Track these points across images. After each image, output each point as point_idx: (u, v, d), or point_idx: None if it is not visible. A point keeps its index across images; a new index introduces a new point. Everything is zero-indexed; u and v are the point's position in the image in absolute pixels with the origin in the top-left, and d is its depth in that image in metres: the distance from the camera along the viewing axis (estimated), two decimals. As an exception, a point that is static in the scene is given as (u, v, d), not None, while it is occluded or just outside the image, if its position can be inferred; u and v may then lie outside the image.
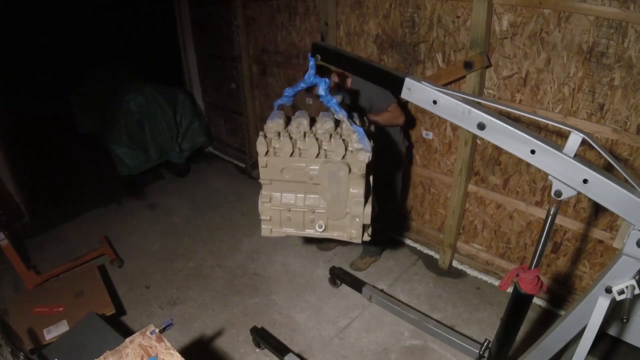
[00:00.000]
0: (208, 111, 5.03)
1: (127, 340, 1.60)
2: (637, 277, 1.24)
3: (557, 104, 2.22)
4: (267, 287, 2.96)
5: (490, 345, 1.80)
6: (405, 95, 1.43)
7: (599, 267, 2.38)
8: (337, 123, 1.81)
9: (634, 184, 1.18)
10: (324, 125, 1.76)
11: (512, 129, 1.24)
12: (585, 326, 1.34)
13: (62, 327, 2.44)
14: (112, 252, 3.26)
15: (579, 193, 1.22)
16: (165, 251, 3.38)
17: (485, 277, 2.92)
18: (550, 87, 2.21)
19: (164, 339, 1.59)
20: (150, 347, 1.56)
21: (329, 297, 2.85)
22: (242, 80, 4.12)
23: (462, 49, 2.45)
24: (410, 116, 2.85)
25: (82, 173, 4.57)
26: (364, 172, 1.72)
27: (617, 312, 1.37)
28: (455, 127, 2.68)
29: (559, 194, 1.26)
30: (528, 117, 1.31)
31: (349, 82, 2.55)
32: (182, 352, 1.58)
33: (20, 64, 4.93)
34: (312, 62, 1.68)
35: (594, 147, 1.19)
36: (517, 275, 1.49)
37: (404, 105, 2.66)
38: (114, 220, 3.81)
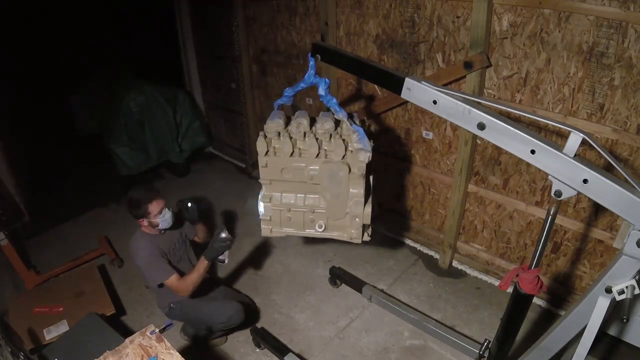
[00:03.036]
0: (208, 111, 5.03)
1: (127, 340, 1.60)
2: (637, 277, 1.24)
3: (557, 104, 2.22)
4: (267, 287, 2.96)
5: (490, 345, 1.80)
6: (405, 95, 1.43)
7: (599, 267, 2.38)
8: (337, 123, 1.81)
9: (633, 184, 1.18)
10: (324, 125, 1.76)
11: (512, 129, 1.24)
12: (585, 326, 1.34)
13: (62, 327, 2.44)
14: (112, 252, 3.26)
15: (579, 193, 1.22)
16: (165, 251, 3.38)
17: (485, 277, 2.92)
18: (550, 87, 2.21)
19: (164, 339, 1.59)
20: (150, 347, 1.57)
21: (329, 297, 2.85)
22: (242, 80, 4.11)
23: (462, 49, 2.44)
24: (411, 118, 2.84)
25: (82, 173, 4.57)
26: (364, 172, 1.72)
27: (617, 312, 1.37)
28: (455, 127, 2.68)
29: (559, 193, 1.26)
30: (528, 117, 1.32)
31: None
32: (182, 352, 1.58)
33: (20, 64, 4.93)
34: (312, 62, 1.68)
35: (594, 147, 1.19)
36: (517, 275, 1.49)
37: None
38: (114, 220, 3.80)
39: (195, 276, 2.24)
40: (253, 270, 3.14)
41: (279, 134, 1.76)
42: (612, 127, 2.07)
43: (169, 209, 2.29)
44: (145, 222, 2.25)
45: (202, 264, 2.23)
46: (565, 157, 1.19)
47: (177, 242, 2.45)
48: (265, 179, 1.81)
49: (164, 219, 2.27)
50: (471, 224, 2.88)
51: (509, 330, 1.64)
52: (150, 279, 2.27)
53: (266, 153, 1.75)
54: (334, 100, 1.70)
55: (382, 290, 2.81)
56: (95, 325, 2.26)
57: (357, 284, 2.77)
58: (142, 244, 2.26)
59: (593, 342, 1.32)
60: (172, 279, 2.21)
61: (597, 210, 2.27)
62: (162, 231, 2.35)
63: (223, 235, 2.16)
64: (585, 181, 1.19)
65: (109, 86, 4.52)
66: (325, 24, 3.04)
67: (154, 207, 2.22)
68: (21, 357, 1.67)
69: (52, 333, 2.41)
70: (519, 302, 1.53)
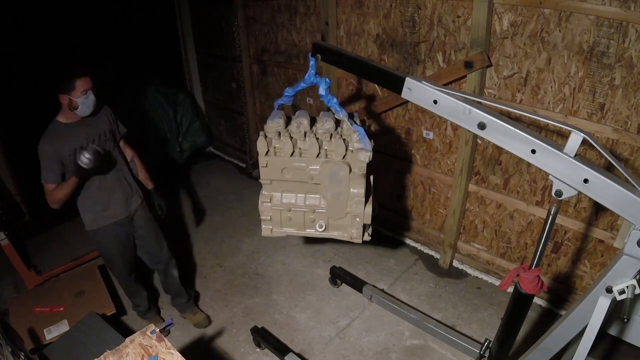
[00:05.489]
0: (208, 111, 5.03)
1: (128, 339, 1.60)
2: (637, 277, 1.24)
3: (558, 104, 2.22)
4: (268, 287, 2.96)
5: (490, 345, 1.80)
6: (405, 94, 1.43)
7: (600, 267, 2.38)
8: (338, 123, 1.81)
9: (634, 184, 1.18)
10: (325, 125, 1.76)
11: (512, 128, 1.24)
12: (586, 326, 1.34)
13: (63, 327, 2.44)
14: (112, 252, 3.26)
15: (579, 193, 1.22)
16: (165, 251, 3.38)
17: (485, 277, 2.91)
18: (551, 87, 2.21)
19: (165, 339, 1.59)
20: (150, 347, 1.56)
21: (330, 297, 2.85)
22: (243, 80, 4.12)
23: (462, 49, 2.44)
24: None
25: (83, 173, 4.57)
26: (365, 172, 1.72)
27: (618, 311, 1.37)
28: (455, 127, 2.68)
29: (559, 193, 1.26)
30: (528, 117, 1.32)
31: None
32: (183, 351, 1.58)
33: (20, 64, 4.93)
34: (312, 62, 1.68)
35: (595, 147, 1.19)
36: (518, 275, 1.49)
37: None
38: (115, 220, 3.80)
39: (61, 191, 2.14)
40: (253, 270, 3.14)
41: (279, 133, 1.76)
42: (613, 126, 2.07)
43: (93, 94, 2.13)
44: (66, 100, 2.10)
45: (71, 180, 2.11)
46: (566, 156, 1.19)
47: (103, 135, 2.29)
48: (265, 179, 1.81)
49: (87, 101, 2.10)
50: (472, 224, 2.88)
51: (510, 330, 1.64)
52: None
53: (266, 153, 1.75)
54: (335, 100, 1.70)
55: (382, 290, 2.81)
56: (96, 325, 2.26)
57: (358, 284, 2.76)
58: (48, 136, 2.14)
59: (593, 342, 1.32)
60: (49, 186, 2.12)
61: (598, 210, 2.27)
62: (80, 119, 2.18)
63: (86, 154, 1.99)
64: (586, 181, 1.19)
65: (109, 86, 4.53)
66: (326, 23, 3.04)
67: (81, 83, 2.06)
68: (22, 357, 1.66)
69: (52, 333, 2.41)
70: (520, 302, 1.52)
